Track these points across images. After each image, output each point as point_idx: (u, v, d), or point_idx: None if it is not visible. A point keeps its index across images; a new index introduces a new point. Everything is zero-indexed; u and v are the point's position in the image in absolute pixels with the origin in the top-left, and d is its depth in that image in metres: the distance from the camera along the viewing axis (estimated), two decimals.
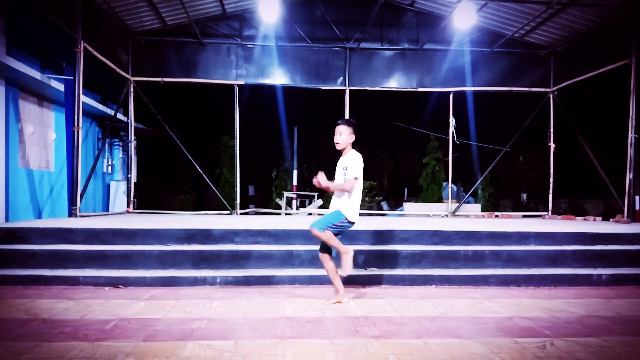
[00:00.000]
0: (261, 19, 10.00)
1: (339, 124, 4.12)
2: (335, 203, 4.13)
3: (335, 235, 4.02)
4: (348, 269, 4.02)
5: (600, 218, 10.24)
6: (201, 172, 10.77)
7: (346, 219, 4.03)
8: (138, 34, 10.17)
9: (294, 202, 14.93)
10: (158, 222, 6.66)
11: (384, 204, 18.12)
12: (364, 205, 15.04)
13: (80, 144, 7.91)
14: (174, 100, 17.60)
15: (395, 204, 18.59)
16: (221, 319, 3.65)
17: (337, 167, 4.20)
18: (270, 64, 10.62)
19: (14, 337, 3.14)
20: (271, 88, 11.01)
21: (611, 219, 9.11)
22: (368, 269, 5.24)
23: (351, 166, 4.03)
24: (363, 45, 10.64)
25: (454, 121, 10.95)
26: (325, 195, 15.06)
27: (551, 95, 11.02)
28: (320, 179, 3.91)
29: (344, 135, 4.08)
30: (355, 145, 4.13)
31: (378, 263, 5.24)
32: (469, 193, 12.57)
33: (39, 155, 10.39)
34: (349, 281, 4.99)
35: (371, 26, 10.29)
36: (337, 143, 4.11)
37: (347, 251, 4.04)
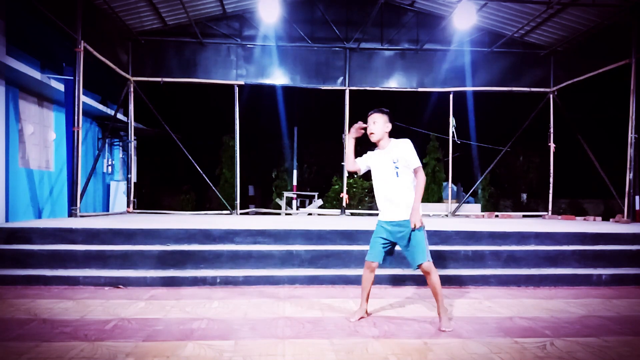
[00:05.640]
0: (261, 19, 10.00)
1: (371, 113, 3.67)
2: (403, 207, 3.53)
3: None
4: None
5: (600, 218, 10.23)
6: (201, 172, 10.77)
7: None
8: (138, 34, 10.17)
9: (294, 202, 14.93)
10: (158, 222, 6.66)
11: None
12: (364, 205, 15.03)
13: (80, 144, 7.91)
14: (174, 100, 17.59)
15: None
16: (221, 319, 3.65)
17: (375, 162, 3.66)
18: (270, 64, 10.62)
19: (14, 337, 3.14)
20: (271, 88, 11.00)
21: (611, 219, 9.10)
22: None
23: (405, 156, 3.51)
24: (363, 45, 10.64)
25: (454, 121, 10.95)
26: (325, 195, 15.08)
27: (551, 95, 11.01)
28: (416, 220, 3.44)
29: (378, 124, 3.59)
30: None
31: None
32: (469, 193, 12.56)
33: (39, 155, 10.39)
34: (348, 281, 5.00)
35: (371, 26, 10.29)
36: (371, 133, 3.62)
37: (446, 309, 3.75)
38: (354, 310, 3.92)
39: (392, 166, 3.52)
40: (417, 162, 3.53)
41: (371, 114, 3.67)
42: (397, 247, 3.67)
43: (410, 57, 10.87)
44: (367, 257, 3.70)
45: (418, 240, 3.50)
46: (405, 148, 3.53)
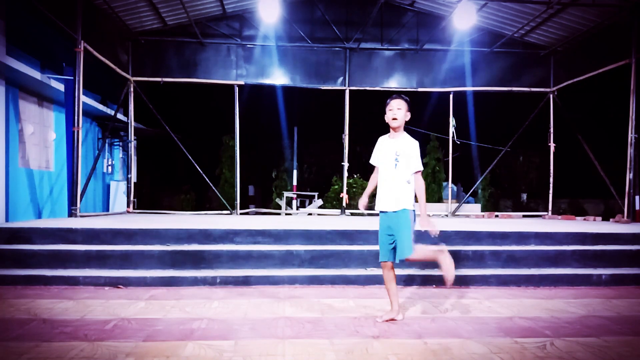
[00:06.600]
0: (261, 19, 10.00)
1: (395, 98, 3.54)
2: (398, 198, 3.48)
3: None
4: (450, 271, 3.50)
5: (600, 218, 10.23)
6: (201, 172, 10.77)
7: (414, 211, 3.51)
8: (138, 34, 10.17)
9: (294, 202, 14.94)
10: (158, 222, 6.66)
11: None
12: None
13: (80, 144, 7.91)
14: (174, 100, 17.59)
15: None
16: (221, 319, 3.64)
17: (382, 149, 3.62)
18: (270, 64, 10.62)
19: (14, 337, 3.14)
20: (271, 88, 11.01)
21: (611, 219, 9.10)
22: (368, 268, 5.24)
23: (409, 153, 3.49)
24: (363, 45, 10.64)
25: (454, 121, 10.95)
26: (325, 195, 15.08)
27: (551, 95, 11.01)
28: (425, 227, 3.42)
29: (402, 111, 3.52)
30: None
31: (378, 263, 5.22)
32: (469, 193, 12.57)
33: (39, 155, 10.39)
34: (348, 281, 5.00)
35: (371, 26, 10.28)
36: (394, 119, 3.50)
37: (442, 251, 3.55)
38: (353, 308, 3.92)
39: (394, 157, 3.51)
40: (419, 166, 3.51)
41: (395, 98, 3.56)
42: None
43: (410, 57, 10.87)
44: (380, 258, 3.63)
45: (406, 233, 3.43)
46: (412, 146, 3.51)
